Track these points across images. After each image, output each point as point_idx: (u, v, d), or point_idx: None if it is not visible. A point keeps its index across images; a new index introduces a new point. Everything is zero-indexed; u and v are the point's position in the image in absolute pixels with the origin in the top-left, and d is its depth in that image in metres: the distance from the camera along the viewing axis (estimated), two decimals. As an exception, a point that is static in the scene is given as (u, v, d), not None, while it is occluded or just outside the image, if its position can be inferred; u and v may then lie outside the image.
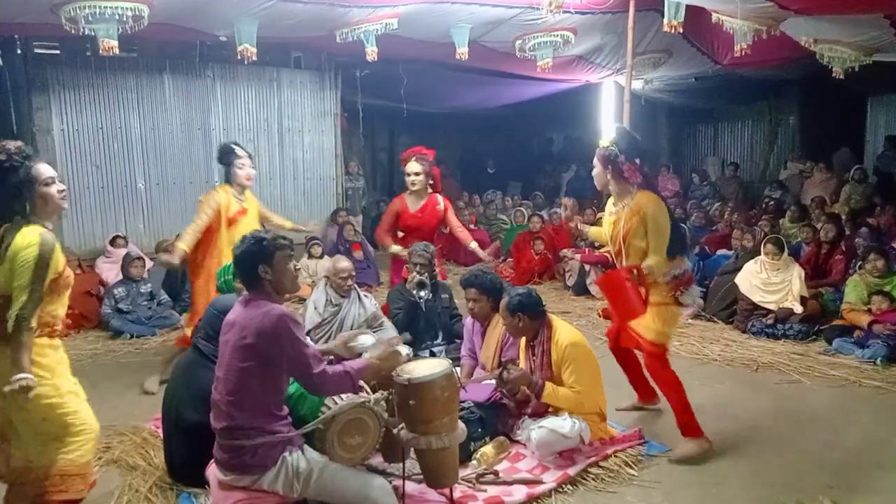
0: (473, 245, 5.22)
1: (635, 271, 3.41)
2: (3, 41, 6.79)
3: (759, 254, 6.07)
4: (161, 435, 3.45)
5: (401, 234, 5.25)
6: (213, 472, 2.73)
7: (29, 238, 2.45)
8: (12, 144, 2.53)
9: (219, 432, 2.64)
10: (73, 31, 5.17)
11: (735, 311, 6.10)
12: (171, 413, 3.23)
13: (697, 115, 13.26)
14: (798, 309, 5.73)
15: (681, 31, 6.01)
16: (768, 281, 5.91)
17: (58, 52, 7.13)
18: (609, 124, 9.96)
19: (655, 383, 3.76)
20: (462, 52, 6.73)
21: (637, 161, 3.51)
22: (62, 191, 2.63)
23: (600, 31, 7.36)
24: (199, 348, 3.23)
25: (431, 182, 5.19)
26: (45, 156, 6.97)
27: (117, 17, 5.01)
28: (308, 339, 2.79)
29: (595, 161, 3.65)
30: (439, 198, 5.22)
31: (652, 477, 3.32)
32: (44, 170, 2.57)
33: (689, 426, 3.53)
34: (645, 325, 3.52)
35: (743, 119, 12.90)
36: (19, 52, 6.89)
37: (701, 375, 4.84)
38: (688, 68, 8.98)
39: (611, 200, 3.71)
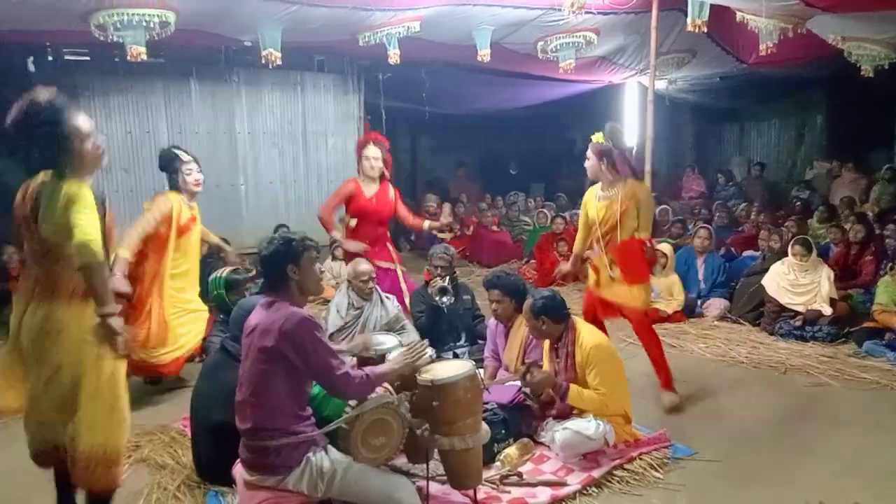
0: (427, 224, 5.32)
1: (648, 243, 4.11)
2: (35, 49, 6.94)
3: (786, 255, 5.98)
4: (189, 434, 3.50)
5: (353, 223, 5.08)
6: (239, 471, 2.76)
7: (74, 188, 2.43)
8: (43, 95, 2.46)
9: (244, 433, 2.67)
10: (102, 39, 5.28)
11: (762, 312, 6.01)
12: (198, 413, 3.28)
13: (722, 115, 13.10)
14: (827, 311, 5.63)
15: (705, 30, 5.95)
16: (796, 282, 5.82)
17: (87, 58, 7.26)
18: (632, 125, 9.91)
19: (643, 342, 4.29)
20: (484, 53, 6.74)
21: (626, 154, 4.20)
22: (98, 147, 2.58)
23: (623, 32, 7.32)
24: (227, 349, 3.27)
25: (383, 170, 5.07)
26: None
27: (145, 24, 5.12)
28: (330, 343, 2.81)
29: (590, 154, 4.23)
30: (390, 186, 5.13)
31: (677, 480, 3.29)
32: (80, 124, 2.51)
33: (667, 379, 4.20)
34: (633, 297, 4.10)
35: (769, 119, 12.72)
36: (50, 58, 7.04)
37: (727, 378, 4.79)
38: (712, 68, 8.89)
39: (594, 189, 4.31)
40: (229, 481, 2.95)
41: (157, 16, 5.12)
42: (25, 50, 6.93)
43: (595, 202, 4.26)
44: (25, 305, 2.58)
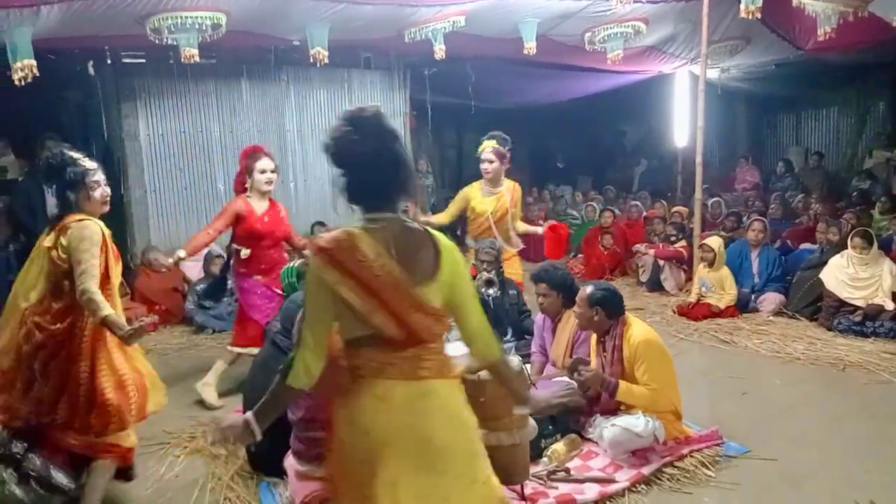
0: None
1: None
2: (95, 54, 7.20)
3: (845, 247, 5.77)
4: (242, 426, 3.59)
5: (244, 252, 4.36)
6: (290, 462, 2.83)
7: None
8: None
9: (296, 424, 2.73)
10: (157, 41, 5.44)
11: (820, 307, 5.82)
12: (251, 405, 3.34)
13: (778, 104, 12.69)
14: (889, 306, 5.41)
15: (759, 16, 5.76)
16: (856, 276, 5.61)
17: (143, 61, 7.48)
18: (683, 116, 9.69)
19: None
20: (530, 46, 6.68)
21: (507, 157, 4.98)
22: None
23: (673, 20, 7.16)
24: (277, 343, 3.35)
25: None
26: (133, 159, 7.40)
27: (197, 26, 5.25)
28: None
29: (493, 157, 4.89)
30: (279, 204, 4.61)
31: (730, 478, 3.22)
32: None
33: None
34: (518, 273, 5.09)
35: (828, 106, 12.24)
36: (109, 62, 7.28)
37: (782, 374, 4.67)
38: (767, 55, 8.62)
39: (479, 185, 5.01)
40: (281, 472, 3.02)
41: (209, 18, 5.25)
42: (86, 55, 7.20)
43: (485, 197, 4.97)
44: None
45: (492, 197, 4.97)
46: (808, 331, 5.63)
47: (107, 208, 3.00)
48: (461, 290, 1.93)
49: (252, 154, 4.44)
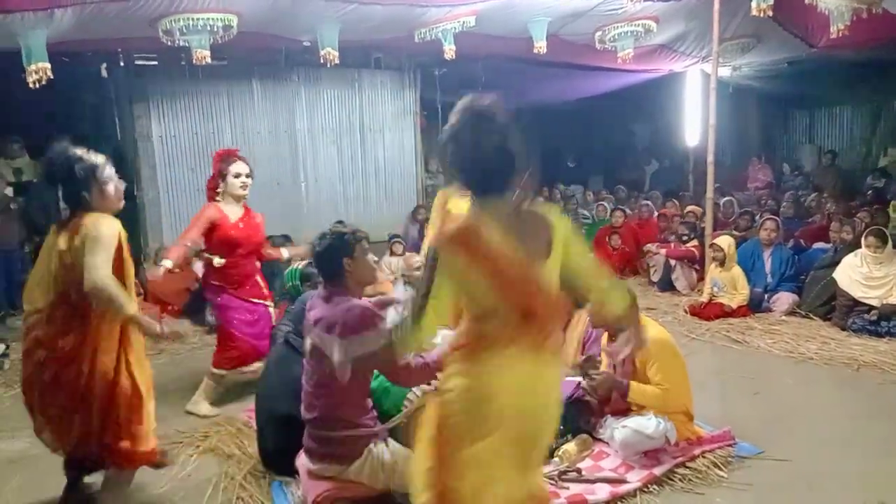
0: (287, 253, 4.72)
1: None
2: (107, 56, 7.26)
3: (859, 246, 5.72)
4: (254, 425, 3.62)
5: (217, 261, 4.12)
6: (302, 461, 2.84)
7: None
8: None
9: (309, 423, 2.75)
10: (169, 43, 5.48)
11: (833, 307, 5.77)
12: (263, 405, 3.38)
13: (790, 102, 12.60)
14: (904, 305, 5.37)
15: (770, 14, 5.73)
16: (870, 275, 5.56)
17: (155, 63, 7.54)
18: (694, 114, 9.65)
19: None
20: (540, 45, 6.67)
21: None
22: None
23: (684, 18, 7.13)
24: (290, 342, 3.37)
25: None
26: (146, 160, 7.45)
27: (209, 27, 5.29)
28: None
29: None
30: (253, 210, 4.37)
31: (742, 479, 3.21)
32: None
33: None
34: None
35: (841, 104, 12.15)
36: (122, 64, 7.34)
37: (795, 374, 4.63)
38: (779, 53, 8.56)
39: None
40: (293, 472, 3.03)
41: (221, 19, 5.29)
42: (99, 57, 7.26)
43: (457, 199, 4.57)
44: None
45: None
46: (822, 330, 5.58)
47: (122, 203, 2.90)
48: (577, 256, 2.08)
49: (226, 157, 4.24)
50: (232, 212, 4.19)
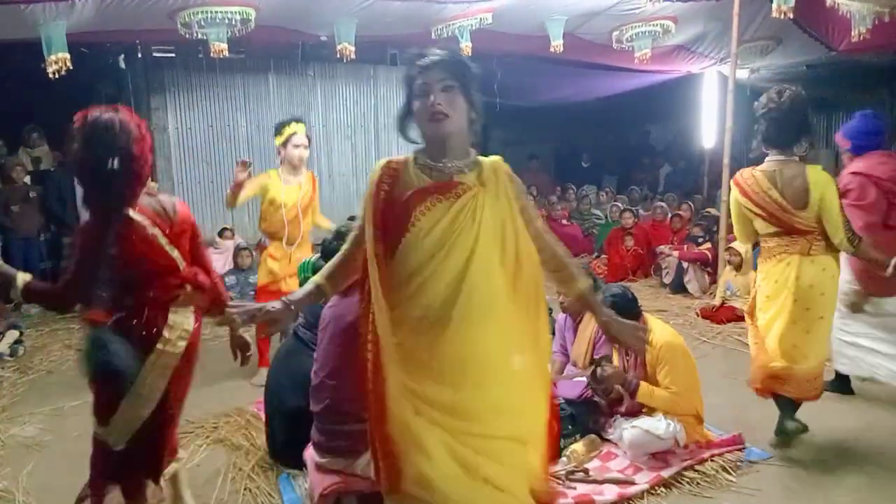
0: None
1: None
2: (126, 48, 7.32)
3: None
4: (262, 417, 3.64)
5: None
6: (310, 454, 2.85)
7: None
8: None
9: (317, 415, 2.76)
10: (187, 36, 5.52)
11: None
12: (272, 397, 3.40)
13: (809, 105, 12.43)
14: (920, 313, 5.30)
15: (791, 16, 5.67)
16: (886, 282, 5.50)
17: (173, 55, 7.60)
18: (711, 116, 9.57)
19: None
20: (557, 44, 6.64)
21: None
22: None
23: (703, 19, 7.07)
24: (299, 335, 3.38)
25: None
26: (161, 152, 7.50)
27: (227, 21, 5.32)
28: None
29: (305, 142, 4.50)
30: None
31: (751, 484, 3.18)
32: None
33: None
34: None
35: (861, 108, 11.97)
36: (139, 56, 7.40)
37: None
38: (799, 56, 8.47)
39: (279, 172, 4.49)
40: (301, 464, 3.05)
41: (239, 12, 5.31)
42: (117, 49, 7.33)
43: (288, 186, 4.48)
44: None
45: (292, 186, 4.50)
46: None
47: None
48: (827, 205, 3.16)
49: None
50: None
